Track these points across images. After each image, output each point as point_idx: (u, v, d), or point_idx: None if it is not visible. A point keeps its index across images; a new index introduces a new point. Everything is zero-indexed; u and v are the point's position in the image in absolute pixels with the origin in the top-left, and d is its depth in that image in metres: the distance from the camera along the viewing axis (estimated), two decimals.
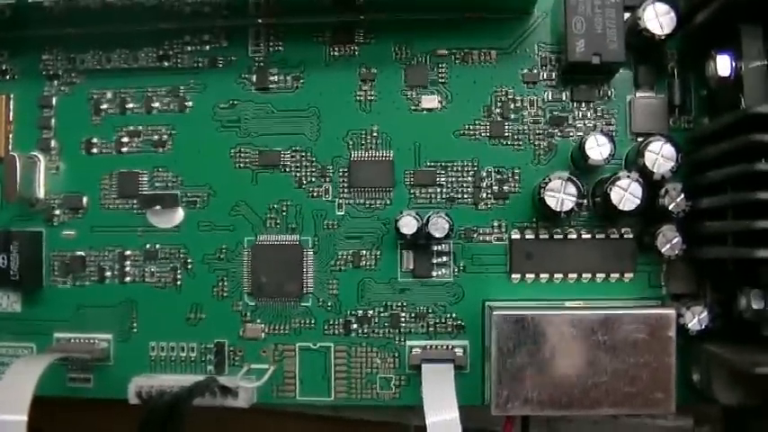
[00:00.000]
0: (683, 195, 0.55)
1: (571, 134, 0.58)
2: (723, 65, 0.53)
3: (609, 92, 0.58)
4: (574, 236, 0.58)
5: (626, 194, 0.55)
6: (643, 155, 0.55)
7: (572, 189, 0.55)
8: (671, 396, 0.53)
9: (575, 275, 0.58)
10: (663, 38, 0.55)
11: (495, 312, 0.55)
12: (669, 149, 0.55)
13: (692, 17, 0.56)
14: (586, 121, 0.58)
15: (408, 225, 0.56)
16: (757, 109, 0.49)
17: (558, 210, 0.55)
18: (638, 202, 0.55)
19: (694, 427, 0.67)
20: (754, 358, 0.50)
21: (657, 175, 0.55)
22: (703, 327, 0.56)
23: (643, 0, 0.56)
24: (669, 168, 0.55)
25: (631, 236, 0.58)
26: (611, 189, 0.55)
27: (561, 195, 0.55)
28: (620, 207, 0.55)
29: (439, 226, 0.56)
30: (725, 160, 0.52)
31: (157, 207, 0.60)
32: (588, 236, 0.58)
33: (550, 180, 0.55)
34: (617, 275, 0.58)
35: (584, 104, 0.58)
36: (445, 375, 0.55)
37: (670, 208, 0.55)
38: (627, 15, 0.57)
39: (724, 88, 0.54)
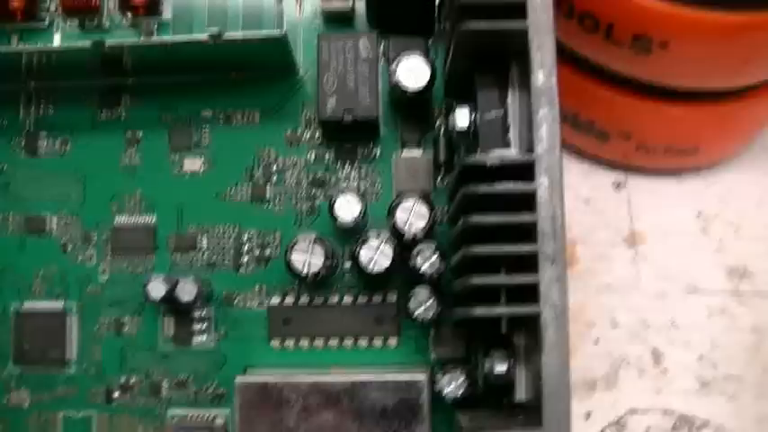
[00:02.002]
0: (437, 255, 0.53)
1: (333, 195, 0.56)
2: (462, 117, 0.51)
3: (374, 151, 0.57)
4: (335, 300, 0.55)
5: (376, 255, 0.52)
6: (394, 214, 0.53)
7: (319, 251, 0.53)
8: None
9: (336, 341, 0.55)
10: (417, 92, 0.53)
11: (237, 379, 0.52)
12: (421, 208, 0.53)
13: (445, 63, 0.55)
14: (350, 182, 0.56)
15: (157, 289, 0.55)
16: (467, 160, 0.47)
17: (306, 273, 0.53)
18: (388, 263, 0.52)
19: None
20: (483, 423, 0.47)
21: (409, 235, 0.53)
22: (460, 393, 0.52)
23: None
24: (421, 228, 0.53)
25: (394, 299, 0.55)
26: (359, 250, 0.53)
27: (308, 258, 0.53)
28: (370, 269, 0.53)
29: (187, 290, 0.55)
30: (456, 216, 0.50)
31: None
32: (350, 300, 0.55)
33: (297, 242, 0.53)
34: (381, 341, 0.55)
35: (348, 164, 0.57)
36: None
37: (423, 269, 0.53)
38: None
39: (465, 141, 0.52)
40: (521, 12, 0.47)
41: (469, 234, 0.47)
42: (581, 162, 0.71)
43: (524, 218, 0.46)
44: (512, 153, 0.48)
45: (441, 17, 0.56)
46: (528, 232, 0.46)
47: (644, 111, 0.65)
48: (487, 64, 0.51)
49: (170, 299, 0.55)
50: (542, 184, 0.46)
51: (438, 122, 0.57)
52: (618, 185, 0.70)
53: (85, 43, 0.54)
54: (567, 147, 0.71)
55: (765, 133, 0.72)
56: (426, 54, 0.55)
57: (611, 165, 0.71)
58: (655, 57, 0.60)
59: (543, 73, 0.47)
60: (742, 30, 0.59)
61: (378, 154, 0.57)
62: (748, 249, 0.69)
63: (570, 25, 0.62)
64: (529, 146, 0.48)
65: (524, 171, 0.47)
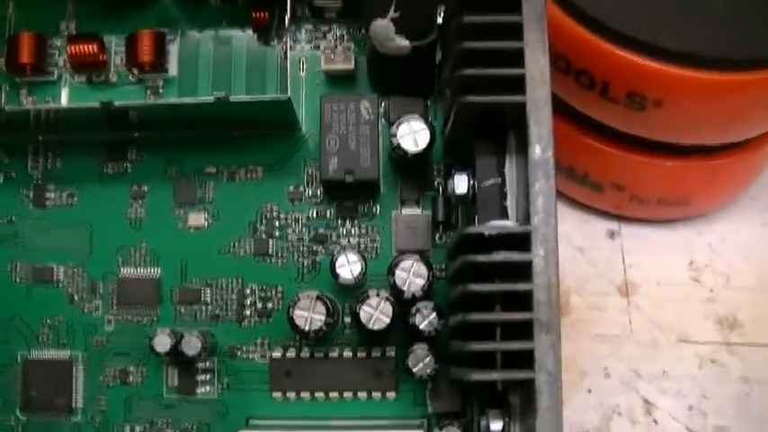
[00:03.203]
0: (434, 314, 0.55)
1: (335, 251, 0.58)
2: (460, 183, 0.53)
3: (374, 209, 0.58)
4: (336, 354, 0.57)
5: (376, 314, 0.54)
6: (393, 273, 0.55)
7: (321, 308, 0.55)
8: None
9: (336, 394, 0.57)
10: (417, 155, 0.55)
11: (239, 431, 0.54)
12: (420, 268, 0.55)
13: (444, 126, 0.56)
14: (351, 239, 0.58)
15: (162, 344, 0.56)
16: (466, 231, 0.49)
17: (307, 329, 0.55)
18: (388, 321, 0.54)
19: None
20: None
21: (408, 294, 0.54)
22: None
23: None
24: (420, 287, 0.54)
25: (393, 354, 0.57)
26: (360, 308, 0.54)
27: (310, 315, 0.55)
28: (370, 326, 0.54)
29: (192, 345, 0.56)
30: (454, 279, 0.51)
31: None
32: (350, 354, 0.57)
33: (299, 299, 0.55)
34: (379, 394, 0.57)
35: (348, 221, 0.58)
36: None
37: (421, 327, 0.55)
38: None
39: (464, 206, 0.53)
40: (519, 86, 0.49)
41: (467, 300, 0.49)
42: (575, 210, 0.73)
43: (521, 286, 0.48)
44: (509, 224, 0.49)
45: (440, 77, 0.57)
46: (524, 298, 0.48)
47: (637, 164, 0.66)
48: (486, 131, 0.52)
49: (175, 352, 0.56)
50: (538, 254, 0.48)
51: (437, 182, 0.58)
52: (612, 234, 0.72)
53: (94, 104, 0.54)
54: (561, 196, 0.73)
55: (755, 184, 0.73)
56: (426, 116, 0.56)
57: (605, 213, 0.73)
58: (649, 114, 0.62)
59: (540, 147, 0.49)
60: (733, 89, 0.61)
61: (378, 211, 0.58)
62: (738, 299, 0.71)
63: (566, 81, 0.64)
64: (525, 214, 0.50)
65: (521, 241, 0.48)
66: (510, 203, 0.51)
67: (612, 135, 0.66)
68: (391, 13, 0.54)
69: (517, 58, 0.49)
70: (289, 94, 0.54)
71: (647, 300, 0.70)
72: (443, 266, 0.57)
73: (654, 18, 0.60)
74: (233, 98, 0.54)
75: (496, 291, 0.48)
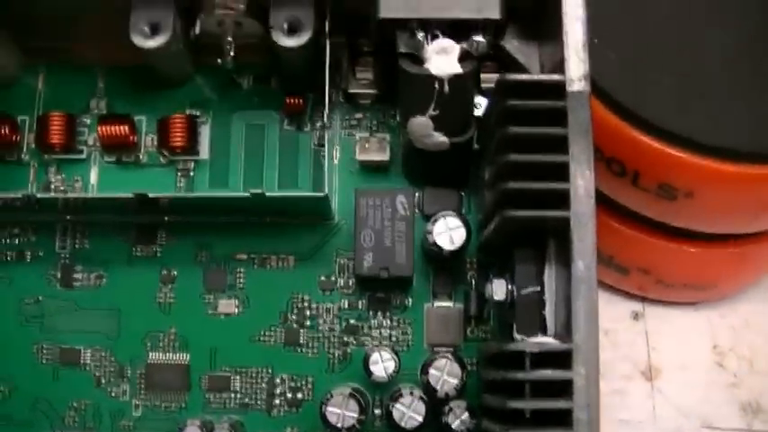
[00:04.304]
0: (467, 413, 0.54)
1: (366, 343, 0.58)
2: (499, 290, 0.53)
3: (406, 301, 0.58)
4: None
5: (408, 412, 0.54)
6: (427, 372, 0.55)
7: (354, 406, 0.55)
8: None
9: None
10: (452, 252, 0.55)
11: None
12: (454, 368, 0.55)
13: (482, 228, 0.56)
14: (382, 330, 0.58)
15: None
16: (506, 347, 0.49)
17: (340, 426, 0.54)
18: (421, 420, 0.54)
19: None
20: None
21: (441, 393, 0.54)
22: None
23: (443, 210, 0.56)
24: (453, 387, 0.55)
25: None
26: (392, 406, 0.54)
27: (343, 412, 0.54)
28: (403, 425, 0.54)
29: None
30: (492, 388, 0.51)
31: None
32: None
33: (332, 396, 0.55)
34: None
35: (380, 313, 0.58)
36: None
37: (454, 426, 0.55)
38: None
39: (502, 310, 0.53)
40: (563, 200, 0.49)
41: (508, 415, 0.49)
42: (600, 292, 0.72)
43: (560, 404, 0.48)
44: (550, 342, 0.49)
45: (477, 171, 0.57)
46: (564, 416, 0.48)
47: (664, 250, 0.67)
48: (526, 239, 0.52)
49: None
50: (579, 372, 0.48)
51: (469, 275, 0.58)
52: (636, 315, 0.72)
53: (128, 195, 0.54)
54: None
55: None
56: (460, 210, 0.56)
57: (629, 294, 0.73)
58: (680, 203, 0.62)
59: (583, 263, 0.48)
60: (764, 181, 0.61)
61: (410, 304, 0.58)
62: (762, 384, 0.71)
63: (597, 166, 0.63)
64: (564, 323, 0.50)
65: (562, 358, 0.48)
66: (548, 312, 0.51)
67: (640, 220, 0.66)
68: (430, 112, 0.53)
69: (561, 170, 0.49)
70: (326, 191, 0.54)
71: (670, 384, 0.70)
72: (474, 361, 0.57)
73: (687, 111, 0.61)
74: (269, 194, 0.53)
75: (536, 408, 0.48)
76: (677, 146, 0.60)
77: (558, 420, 0.48)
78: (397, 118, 0.60)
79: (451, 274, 0.58)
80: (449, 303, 0.58)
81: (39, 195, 0.57)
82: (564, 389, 0.48)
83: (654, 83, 0.62)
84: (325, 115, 0.55)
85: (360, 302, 0.58)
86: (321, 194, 0.54)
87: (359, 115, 0.60)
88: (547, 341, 0.49)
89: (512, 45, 0.56)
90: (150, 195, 0.55)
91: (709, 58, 0.62)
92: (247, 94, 0.61)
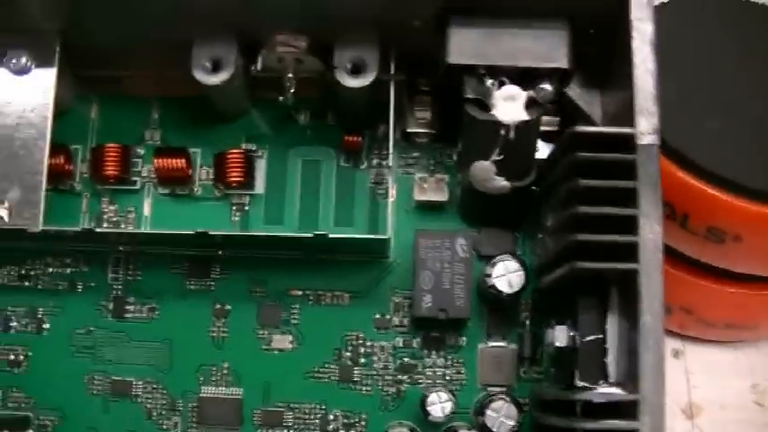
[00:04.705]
0: None
1: (421, 381, 0.58)
2: (561, 336, 0.53)
3: (460, 341, 0.58)
4: None
5: None
6: (484, 413, 0.55)
7: None
8: None
9: None
10: (510, 295, 0.55)
11: None
12: (510, 409, 0.55)
13: (542, 274, 0.56)
14: (436, 369, 0.58)
15: None
16: (574, 397, 0.49)
17: None
18: None
19: None
20: None
21: None
22: None
23: (500, 252, 0.56)
24: (509, 428, 0.55)
25: None
26: None
27: None
28: None
29: None
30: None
31: (7, 431, 0.59)
32: None
33: None
34: None
35: (434, 353, 0.58)
36: None
37: None
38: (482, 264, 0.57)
39: (562, 356, 0.54)
40: (631, 252, 0.49)
41: None
42: None
43: None
44: (616, 392, 0.50)
45: (537, 217, 0.57)
46: None
47: (706, 290, 0.67)
48: (588, 288, 0.52)
49: None
50: (645, 423, 0.48)
51: (523, 315, 0.58)
52: (676, 353, 0.73)
53: (188, 231, 0.54)
54: None
55: None
56: (515, 252, 0.56)
57: (670, 332, 0.74)
58: (728, 247, 0.63)
59: (651, 316, 0.49)
60: None
61: (464, 344, 0.58)
62: None
63: None
64: (626, 372, 0.50)
65: (626, 407, 0.49)
66: (610, 360, 0.52)
67: (684, 261, 0.67)
68: (494, 157, 0.53)
69: (630, 223, 0.49)
70: (389, 233, 0.54)
71: (710, 423, 0.71)
72: (526, 401, 0.57)
73: (736, 155, 0.61)
74: (332, 235, 0.53)
75: None
76: (726, 190, 0.61)
77: None
78: (454, 158, 0.59)
79: (506, 314, 0.58)
80: (503, 343, 0.59)
81: (97, 230, 0.56)
82: None
83: (702, 127, 0.62)
84: (390, 156, 0.55)
85: (414, 341, 0.59)
86: (384, 237, 0.54)
87: (416, 154, 0.60)
88: (613, 391, 0.50)
89: (574, 92, 0.56)
90: (210, 232, 0.54)
91: (757, 102, 0.62)
92: (304, 129, 0.61)
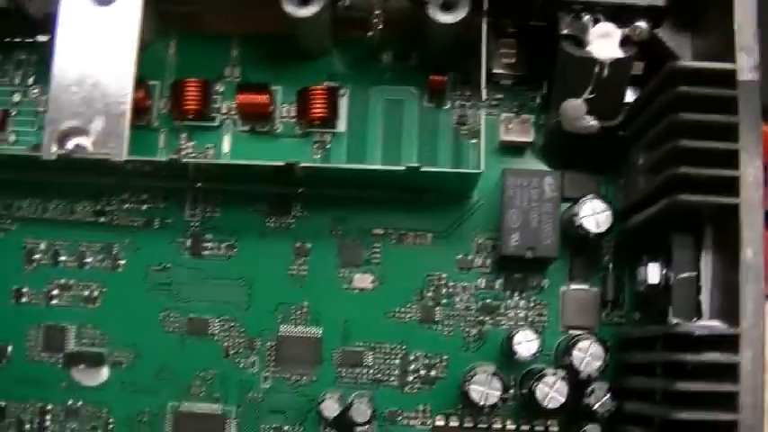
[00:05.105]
0: (608, 396, 0.55)
1: (502, 323, 0.58)
2: (653, 273, 0.53)
3: (543, 282, 0.58)
4: (498, 426, 0.57)
5: (551, 392, 0.54)
6: (571, 353, 0.55)
7: (497, 384, 0.55)
8: None
9: None
10: (597, 235, 0.55)
11: None
12: (597, 349, 0.55)
13: (630, 215, 0.56)
14: (518, 311, 0.58)
15: (330, 408, 0.56)
16: (675, 329, 0.49)
17: (482, 404, 0.55)
18: (563, 400, 0.54)
19: None
20: None
21: (584, 375, 0.55)
22: None
23: (584, 194, 0.56)
24: (596, 368, 0.55)
25: (556, 429, 0.57)
26: (536, 386, 0.55)
27: (486, 390, 0.55)
28: (545, 405, 0.55)
29: (361, 412, 0.56)
30: (650, 372, 0.52)
31: (82, 366, 0.59)
32: (513, 427, 0.57)
33: (476, 374, 0.55)
34: None
35: (516, 294, 0.58)
36: None
37: (595, 408, 0.55)
38: (566, 206, 0.56)
39: (654, 294, 0.54)
40: (731, 187, 0.49)
41: (670, 396, 0.49)
42: None
43: (727, 388, 0.48)
44: (718, 325, 0.50)
45: (627, 161, 0.57)
46: (729, 400, 0.48)
47: None
48: (684, 224, 0.52)
49: (342, 418, 0.56)
50: (746, 356, 0.48)
51: (605, 259, 0.58)
52: None
53: (279, 162, 0.53)
54: None
55: None
56: (604, 196, 0.56)
57: None
58: None
59: (752, 250, 0.49)
60: None
61: (546, 286, 0.58)
62: None
63: None
64: (719, 309, 0.50)
65: (728, 342, 0.49)
66: (704, 298, 0.52)
67: None
68: (587, 94, 0.53)
69: (731, 158, 0.49)
70: (482, 168, 0.53)
71: None
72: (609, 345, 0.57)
73: None
74: (425, 169, 0.53)
75: (703, 391, 0.48)
76: None
77: (723, 405, 0.48)
78: (537, 100, 0.59)
79: (589, 257, 0.58)
80: (585, 286, 0.58)
81: (185, 160, 0.55)
82: (726, 373, 0.48)
83: None
84: (483, 92, 0.55)
85: (497, 282, 0.58)
86: (477, 171, 0.53)
87: (500, 96, 0.59)
88: (714, 324, 0.50)
89: (664, 33, 0.56)
90: (301, 164, 0.54)
91: None
92: (386, 69, 0.60)
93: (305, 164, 0.54)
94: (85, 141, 0.54)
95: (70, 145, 0.54)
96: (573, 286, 0.58)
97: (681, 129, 0.50)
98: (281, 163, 0.54)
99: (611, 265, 0.58)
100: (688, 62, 0.52)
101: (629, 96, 0.57)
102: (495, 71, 0.59)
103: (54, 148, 0.54)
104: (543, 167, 0.59)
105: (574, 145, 0.56)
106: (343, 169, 0.56)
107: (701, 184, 0.49)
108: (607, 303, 0.58)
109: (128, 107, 0.54)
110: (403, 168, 0.53)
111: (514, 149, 0.59)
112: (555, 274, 0.58)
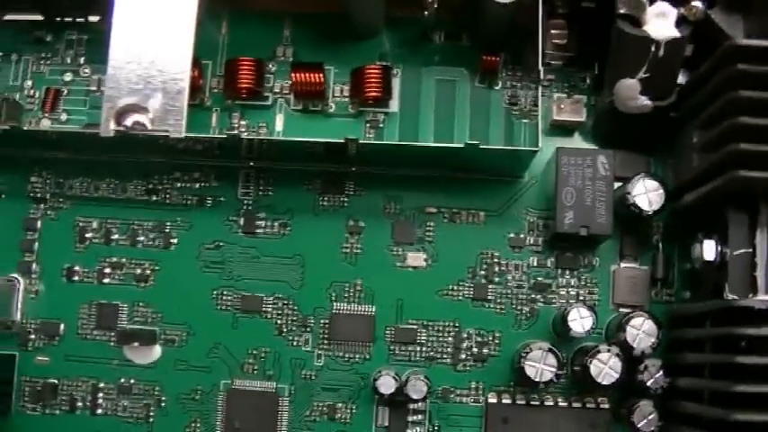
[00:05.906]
0: (661, 372, 0.56)
1: (554, 301, 0.58)
2: (709, 250, 0.54)
3: (593, 261, 0.59)
4: (550, 402, 0.58)
5: (605, 368, 0.55)
6: (624, 330, 0.55)
7: (552, 360, 0.55)
8: None
9: None
10: (650, 213, 0.55)
11: None
12: (650, 326, 0.55)
13: (680, 194, 0.57)
14: (570, 289, 0.59)
15: (386, 385, 0.56)
16: (740, 303, 0.49)
17: (537, 380, 0.55)
18: (617, 376, 0.55)
19: None
20: None
21: (638, 351, 0.55)
22: None
23: (634, 173, 0.56)
24: (650, 345, 0.55)
25: (607, 406, 0.57)
26: (590, 362, 0.55)
27: (541, 366, 0.55)
28: (600, 381, 0.55)
29: (417, 388, 0.56)
30: (706, 348, 0.52)
31: (135, 344, 0.59)
32: (565, 404, 0.58)
33: (531, 350, 0.55)
34: None
35: (568, 272, 0.59)
36: None
37: (648, 384, 0.56)
38: (618, 185, 0.57)
39: (708, 271, 0.54)
40: None
41: (732, 371, 0.50)
42: None
43: None
44: None
45: (678, 140, 0.58)
46: None
47: None
48: (739, 201, 0.53)
49: (398, 394, 0.56)
50: None
51: (655, 238, 0.59)
52: None
53: (338, 140, 0.54)
54: None
55: None
56: (655, 175, 0.57)
57: None
58: None
59: None
60: None
61: (597, 264, 0.59)
62: None
63: None
64: None
65: None
66: (760, 274, 0.53)
67: None
68: (641, 74, 0.54)
69: None
70: (540, 145, 0.54)
71: None
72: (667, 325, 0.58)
73: None
74: (483, 146, 0.54)
75: (764, 364, 0.49)
76: None
77: None
78: (588, 81, 0.60)
79: (639, 236, 0.59)
80: (635, 265, 0.59)
81: (245, 136, 0.56)
82: None
83: None
84: (541, 71, 0.56)
85: (548, 261, 0.59)
86: (535, 149, 0.54)
87: (551, 76, 0.60)
88: None
89: (717, 14, 0.57)
90: (360, 141, 0.54)
91: None
92: (438, 49, 0.61)
93: (364, 141, 0.54)
94: (144, 118, 0.54)
95: (128, 122, 0.54)
96: (623, 265, 0.59)
97: (740, 106, 0.50)
98: (340, 140, 0.53)
99: (660, 244, 0.59)
100: (746, 41, 0.52)
101: (680, 78, 0.57)
102: (546, 51, 0.59)
103: (112, 125, 0.53)
104: (594, 148, 0.58)
105: (625, 125, 0.57)
106: (401, 146, 0.56)
107: (760, 161, 0.50)
108: (657, 281, 0.58)
109: (186, 84, 0.54)
110: (462, 145, 0.53)
111: (564, 130, 0.59)
112: (605, 252, 0.59)
